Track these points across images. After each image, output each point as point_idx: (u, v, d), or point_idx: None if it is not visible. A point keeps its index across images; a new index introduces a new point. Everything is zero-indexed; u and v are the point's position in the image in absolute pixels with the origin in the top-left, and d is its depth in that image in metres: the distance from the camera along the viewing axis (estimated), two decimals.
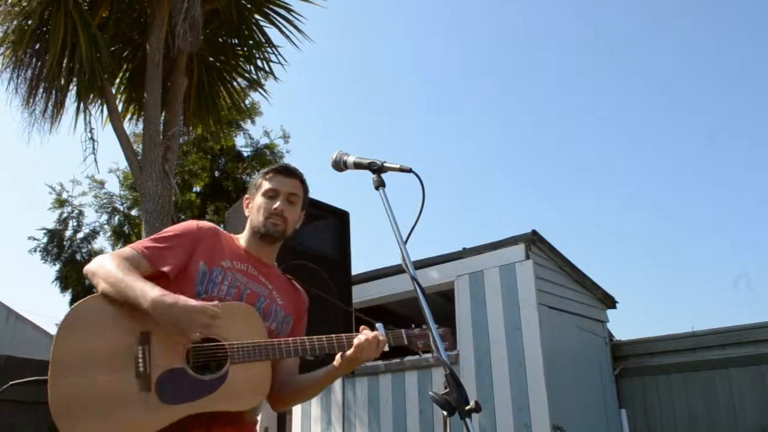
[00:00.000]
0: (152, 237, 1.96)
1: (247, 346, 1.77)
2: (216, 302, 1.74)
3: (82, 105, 6.54)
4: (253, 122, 13.21)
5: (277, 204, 2.01)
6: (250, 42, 7.14)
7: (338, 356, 1.86)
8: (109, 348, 1.70)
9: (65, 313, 1.74)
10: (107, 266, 1.78)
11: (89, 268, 1.86)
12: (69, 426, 1.62)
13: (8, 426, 5.13)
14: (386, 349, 1.84)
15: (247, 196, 2.14)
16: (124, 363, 1.68)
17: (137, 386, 1.66)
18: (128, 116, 7.29)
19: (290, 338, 1.85)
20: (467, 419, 1.33)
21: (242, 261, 2.01)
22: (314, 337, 1.85)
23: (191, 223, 2.03)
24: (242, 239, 2.09)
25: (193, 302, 1.67)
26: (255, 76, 7.39)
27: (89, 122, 6.59)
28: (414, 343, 1.87)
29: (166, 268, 1.86)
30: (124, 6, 6.79)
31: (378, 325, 1.87)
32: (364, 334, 1.82)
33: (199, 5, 5.77)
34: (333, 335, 1.85)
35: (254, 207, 2.07)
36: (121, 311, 1.73)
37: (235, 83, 7.49)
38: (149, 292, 1.68)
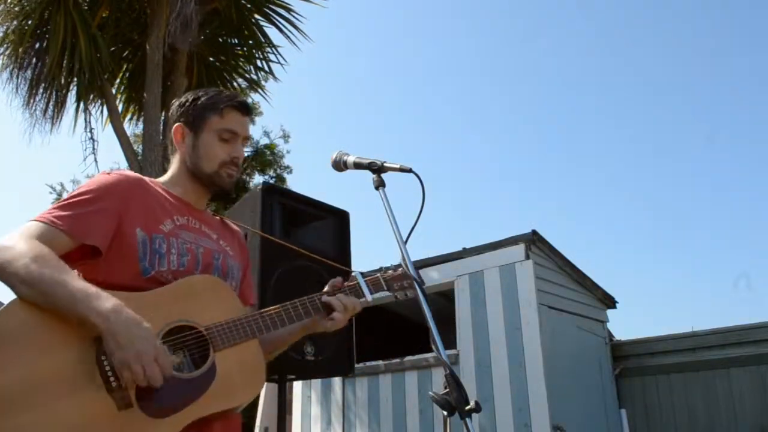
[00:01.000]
0: (66, 202, 1.51)
1: (228, 326, 1.51)
2: (180, 281, 1.51)
3: (82, 105, 6.57)
4: (252, 122, 13.24)
5: (236, 151, 1.69)
6: (250, 42, 7.16)
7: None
8: (58, 366, 1.32)
9: None
10: (23, 259, 1.36)
11: None
12: None
13: None
14: (369, 300, 1.72)
15: (179, 123, 1.70)
16: (86, 380, 1.33)
17: (114, 405, 1.33)
18: (128, 116, 7.31)
19: (272, 308, 1.61)
20: (467, 419, 1.33)
21: (180, 213, 1.65)
22: (296, 300, 1.65)
23: (115, 176, 1.59)
24: (171, 183, 1.71)
25: (150, 345, 1.33)
26: (255, 77, 7.41)
27: (89, 122, 6.63)
28: (391, 286, 1.74)
29: (95, 242, 1.47)
30: (123, 6, 6.80)
31: (355, 273, 1.73)
32: (344, 296, 1.68)
33: (194, 3, 5.77)
34: (314, 295, 1.68)
35: (201, 147, 1.67)
36: (55, 316, 1.35)
37: (235, 83, 7.50)
38: (100, 302, 1.33)
